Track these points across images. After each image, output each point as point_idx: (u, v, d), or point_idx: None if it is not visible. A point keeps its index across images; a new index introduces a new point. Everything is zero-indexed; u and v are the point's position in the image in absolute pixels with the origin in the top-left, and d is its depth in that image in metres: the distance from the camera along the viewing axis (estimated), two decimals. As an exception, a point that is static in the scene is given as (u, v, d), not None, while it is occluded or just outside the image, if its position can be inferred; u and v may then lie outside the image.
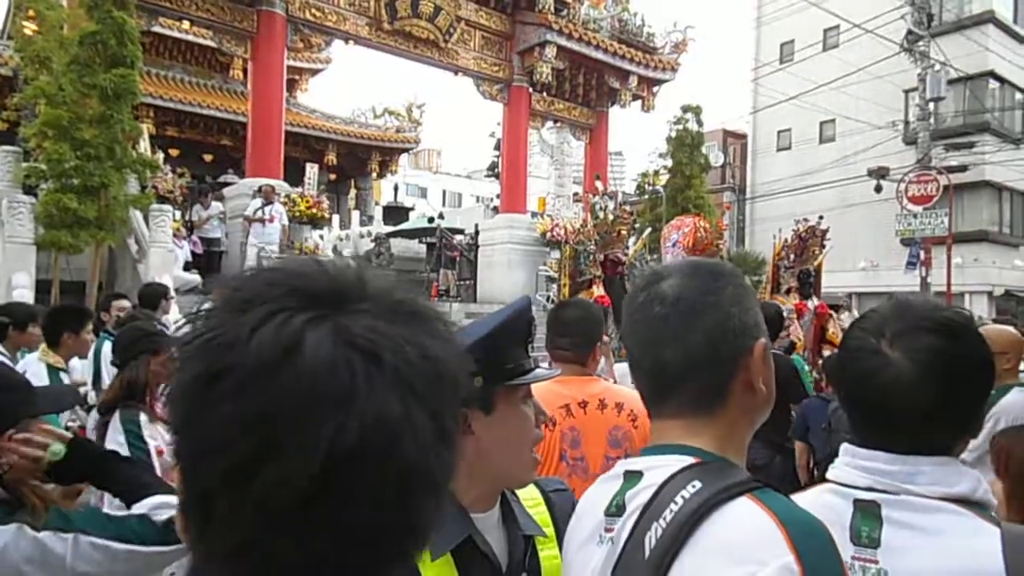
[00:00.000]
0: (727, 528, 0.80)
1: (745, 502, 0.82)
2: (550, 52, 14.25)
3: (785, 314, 6.50)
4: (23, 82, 8.82)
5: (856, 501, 1.08)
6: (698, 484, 0.84)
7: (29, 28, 9.06)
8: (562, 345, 2.28)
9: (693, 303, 0.94)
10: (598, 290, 8.17)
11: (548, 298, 13.01)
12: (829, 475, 1.15)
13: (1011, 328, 3.47)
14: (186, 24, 14.00)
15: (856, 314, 10.28)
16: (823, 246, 8.61)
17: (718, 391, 0.94)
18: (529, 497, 1.22)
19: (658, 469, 0.91)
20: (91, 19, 7.97)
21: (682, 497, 0.83)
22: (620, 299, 8.52)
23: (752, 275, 21.57)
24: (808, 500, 1.10)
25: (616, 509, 0.93)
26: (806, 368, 6.50)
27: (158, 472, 2.39)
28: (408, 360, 0.49)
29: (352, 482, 0.46)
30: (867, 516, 1.06)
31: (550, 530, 1.20)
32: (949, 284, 15.74)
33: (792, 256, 8.51)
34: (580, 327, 2.28)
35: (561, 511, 1.21)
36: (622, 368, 4.63)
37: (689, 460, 0.90)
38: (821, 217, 8.88)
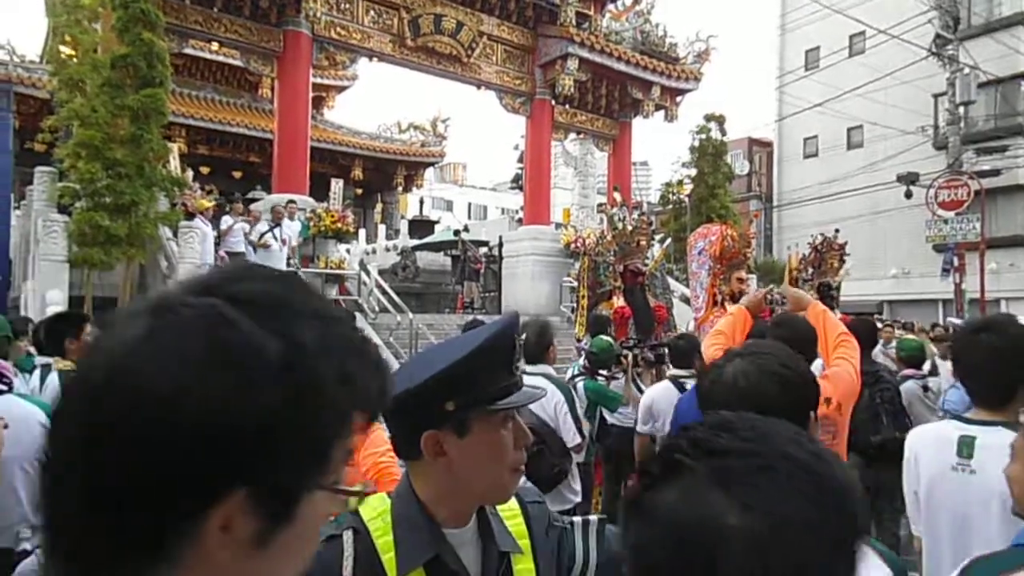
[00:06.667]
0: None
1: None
2: (572, 65, 14.30)
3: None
4: (58, 104, 9.10)
5: None
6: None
7: (66, 52, 9.34)
8: None
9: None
10: (618, 301, 8.13)
11: (572, 309, 13.00)
12: None
13: None
14: (215, 45, 14.38)
15: (900, 331, 10.06)
16: (843, 260, 8.70)
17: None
18: (508, 508, 1.24)
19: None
20: (122, 42, 8.21)
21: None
22: (641, 309, 8.48)
23: (779, 284, 21.26)
24: None
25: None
26: None
27: None
28: None
29: None
30: None
31: (525, 542, 1.22)
32: (983, 290, 15.37)
33: (810, 269, 8.60)
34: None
35: (537, 522, 1.25)
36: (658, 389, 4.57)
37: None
38: (837, 230, 8.96)
